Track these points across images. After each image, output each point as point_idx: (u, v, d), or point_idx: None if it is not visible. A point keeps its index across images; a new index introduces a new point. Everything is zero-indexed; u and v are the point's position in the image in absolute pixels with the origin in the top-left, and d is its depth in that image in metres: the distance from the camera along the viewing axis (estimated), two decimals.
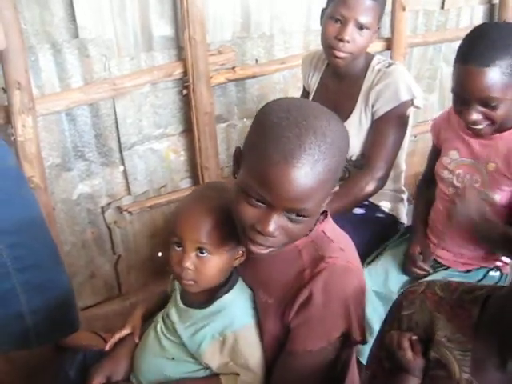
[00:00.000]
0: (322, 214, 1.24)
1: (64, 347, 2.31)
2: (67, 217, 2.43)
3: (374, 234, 1.99)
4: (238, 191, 1.09)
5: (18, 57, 1.98)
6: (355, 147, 1.97)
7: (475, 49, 1.51)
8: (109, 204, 2.52)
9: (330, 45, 1.85)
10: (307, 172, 1.00)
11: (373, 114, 1.93)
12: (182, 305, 1.32)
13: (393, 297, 1.78)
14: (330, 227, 1.25)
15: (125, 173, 2.51)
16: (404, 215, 2.14)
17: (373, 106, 1.92)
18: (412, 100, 1.88)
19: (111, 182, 2.49)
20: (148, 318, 1.46)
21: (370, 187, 1.91)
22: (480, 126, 1.59)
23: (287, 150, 1.00)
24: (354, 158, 2.00)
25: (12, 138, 2.07)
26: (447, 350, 1.02)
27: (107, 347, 1.42)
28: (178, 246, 1.22)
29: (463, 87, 1.54)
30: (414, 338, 1.06)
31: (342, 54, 1.84)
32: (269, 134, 1.03)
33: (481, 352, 1.00)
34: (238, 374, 1.25)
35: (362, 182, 1.91)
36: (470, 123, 1.58)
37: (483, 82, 1.49)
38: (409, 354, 1.04)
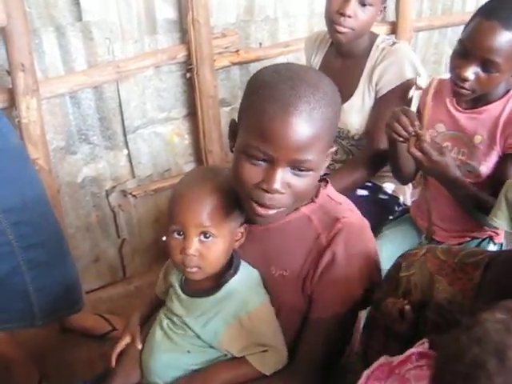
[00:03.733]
0: (322, 181, 1.25)
1: (69, 329, 2.34)
2: (72, 200, 2.44)
3: (377, 216, 1.99)
4: (239, 154, 1.09)
5: (21, 38, 1.99)
6: (358, 126, 1.97)
7: (504, 9, 1.50)
8: (113, 187, 2.53)
9: (332, 19, 1.86)
10: (306, 119, 1.01)
11: (376, 93, 1.93)
12: (185, 296, 1.28)
13: None
14: (334, 192, 1.26)
15: (129, 156, 2.51)
16: (408, 197, 2.14)
17: (376, 85, 1.92)
18: (416, 78, 1.88)
19: (115, 165, 2.50)
20: (144, 324, 1.41)
21: (371, 169, 1.91)
22: (465, 86, 1.58)
23: (283, 100, 1.01)
24: (356, 137, 2.00)
25: (16, 121, 2.08)
26: (448, 312, 1.02)
27: (112, 363, 1.36)
28: (179, 234, 1.17)
29: (475, 40, 1.52)
30: (407, 307, 1.06)
31: (343, 29, 1.84)
32: (263, 91, 1.04)
33: None
34: (265, 351, 1.22)
35: (364, 162, 1.90)
36: (462, 78, 1.56)
37: (496, 42, 1.49)
38: (398, 326, 1.05)
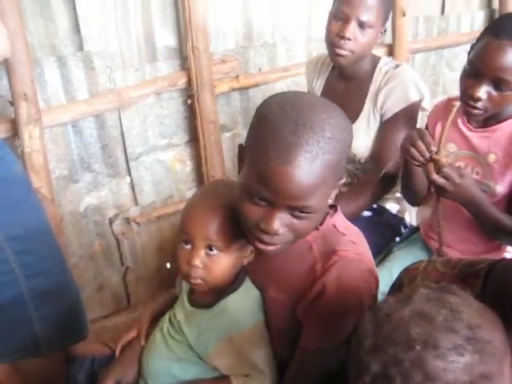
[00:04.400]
0: (331, 207, 1.23)
1: (74, 358, 2.30)
2: (74, 229, 2.44)
3: (382, 237, 1.98)
4: (241, 190, 1.08)
5: (24, 68, 2.01)
6: (363, 149, 1.97)
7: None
8: (116, 215, 2.52)
9: (331, 42, 1.87)
10: (306, 169, 0.98)
11: (381, 116, 1.94)
12: (188, 306, 1.31)
13: None
14: (341, 221, 1.24)
15: (131, 184, 2.52)
16: (413, 217, 2.13)
17: (381, 108, 1.92)
18: (421, 100, 1.89)
19: (118, 193, 2.50)
20: (156, 320, 1.44)
21: (379, 190, 1.91)
22: (478, 105, 1.58)
23: (284, 147, 0.98)
24: (362, 161, 2.00)
25: (19, 150, 2.09)
26: None
27: (117, 352, 1.42)
28: (186, 244, 1.20)
29: (486, 59, 1.53)
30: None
31: (342, 52, 1.85)
32: (265, 131, 1.02)
33: None
34: (247, 376, 1.23)
35: (370, 185, 1.90)
36: (474, 98, 1.56)
37: (507, 61, 1.50)
38: None
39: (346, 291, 1.14)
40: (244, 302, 1.24)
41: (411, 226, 2.11)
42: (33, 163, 2.10)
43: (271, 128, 1.00)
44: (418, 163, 1.60)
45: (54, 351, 1.98)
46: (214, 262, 1.19)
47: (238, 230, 1.18)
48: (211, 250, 1.18)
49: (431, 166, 1.56)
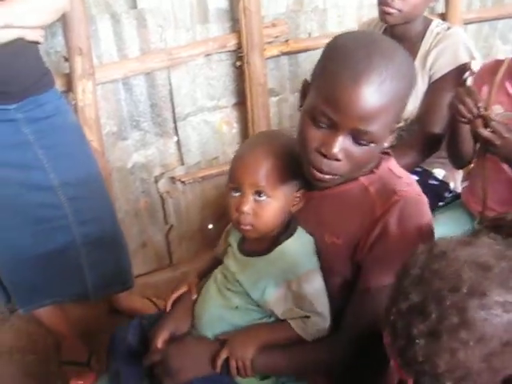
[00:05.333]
0: (385, 154, 1.24)
1: (118, 310, 2.38)
2: (121, 185, 2.49)
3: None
4: (305, 116, 1.10)
5: (80, 24, 2.05)
6: (410, 110, 1.95)
7: None
8: (162, 174, 2.57)
9: (380, 1, 1.87)
10: (374, 91, 1.01)
11: (430, 77, 1.93)
12: (241, 256, 1.32)
13: None
14: (396, 165, 1.25)
15: (178, 143, 2.55)
16: (458, 184, 2.11)
17: (430, 69, 1.91)
18: (471, 62, 1.86)
19: (165, 152, 2.54)
20: (201, 279, 1.46)
21: (422, 154, 1.90)
22: None
23: (355, 68, 1.01)
24: (408, 121, 1.99)
25: (72, 104, 2.14)
26: None
27: (168, 307, 1.42)
28: (236, 192, 1.22)
29: None
30: None
31: (390, 10, 1.84)
32: (337, 56, 1.05)
33: None
34: (307, 317, 1.24)
35: (415, 146, 1.90)
36: None
37: None
38: None
39: (408, 229, 1.14)
40: (300, 247, 1.25)
41: (455, 192, 2.09)
42: (85, 117, 2.16)
43: (344, 53, 1.04)
44: (465, 120, 1.60)
45: (102, 297, 2.05)
46: (263, 207, 1.21)
47: (286, 176, 1.20)
48: (260, 195, 1.20)
49: (479, 121, 1.57)
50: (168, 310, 1.42)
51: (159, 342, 1.34)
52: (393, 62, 1.03)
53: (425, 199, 1.20)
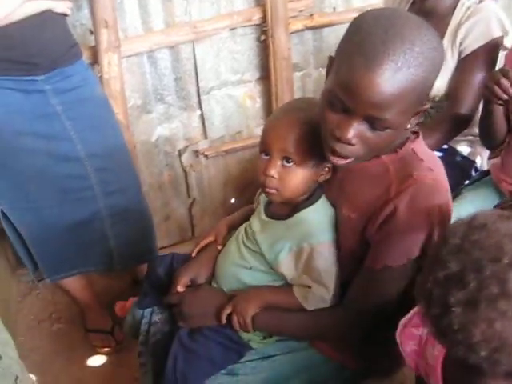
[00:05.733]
0: (413, 133, 1.23)
1: (141, 281, 2.41)
2: (146, 158, 2.51)
3: (451, 178, 1.91)
4: (322, 98, 1.11)
5: None
6: (439, 87, 1.93)
7: None
8: (186, 147, 2.58)
9: None
10: (388, 78, 0.99)
11: (460, 53, 1.89)
12: (264, 216, 1.36)
13: None
14: (421, 147, 1.23)
15: (202, 117, 2.56)
16: (485, 161, 2.09)
17: (460, 44, 1.88)
18: (503, 37, 1.83)
19: (188, 125, 2.55)
20: (232, 229, 1.50)
21: (452, 129, 1.88)
22: None
23: (370, 54, 0.99)
24: (437, 99, 1.96)
25: (98, 76, 2.16)
26: None
27: (194, 253, 1.50)
28: (265, 155, 1.25)
29: None
30: None
31: None
32: (356, 39, 1.04)
33: None
34: (309, 287, 1.28)
35: (443, 124, 1.88)
36: None
37: None
38: None
39: (416, 214, 1.14)
40: (319, 216, 1.28)
41: (482, 169, 2.08)
42: (110, 90, 2.17)
43: (362, 36, 1.02)
44: (500, 101, 1.57)
45: (126, 267, 2.09)
46: (289, 173, 1.23)
47: (315, 146, 1.20)
48: (287, 161, 1.23)
49: None
50: (194, 255, 1.50)
51: (179, 286, 1.42)
52: (413, 46, 1.00)
53: (443, 185, 1.20)
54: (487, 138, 1.86)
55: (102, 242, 1.94)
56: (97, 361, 2.15)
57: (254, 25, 2.47)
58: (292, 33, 2.51)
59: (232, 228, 1.51)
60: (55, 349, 2.21)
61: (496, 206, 1.18)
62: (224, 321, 1.32)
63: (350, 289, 1.28)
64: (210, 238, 1.50)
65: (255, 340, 1.39)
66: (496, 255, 0.78)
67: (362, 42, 1.02)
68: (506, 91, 1.55)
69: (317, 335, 1.36)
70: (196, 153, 2.59)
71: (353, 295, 1.27)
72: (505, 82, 1.54)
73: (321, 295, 1.28)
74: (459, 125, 1.91)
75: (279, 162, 1.23)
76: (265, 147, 1.25)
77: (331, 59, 1.15)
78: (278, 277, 1.34)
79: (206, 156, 2.59)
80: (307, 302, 1.29)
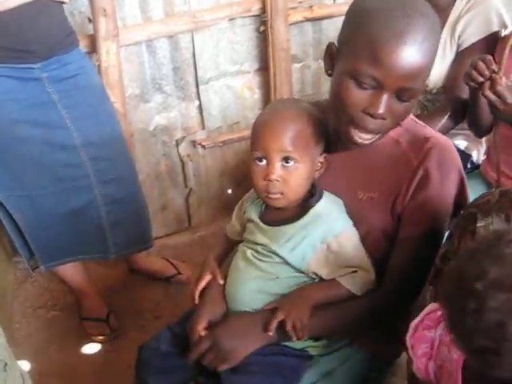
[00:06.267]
0: None
1: (137, 270, 2.44)
2: (143, 147, 2.52)
3: None
4: (345, 78, 1.11)
5: None
6: (436, 79, 1.93)
7: None
8: (183, 137, 2.58)
9: None
10: (418, 49, 1.05)
11: (458, 45, 1.89)
12: (267, 227, 1.29)
13: None
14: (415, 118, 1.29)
15: (200, 107, 2.56)
16: (481, 155, 2.09)
17: (459, 37, 1.88)
18: (502, 31, 1.83)
19: (186, 115, 2.55)
20: (220, 263, 1.43)
21: (450, 122, 1.89)
22: None
23: (398, 27, 1.04)
24: (434, 91, 1.97)
25: (96, 65, 2.15)
26: None
27: (196, 299, 1.36)
28: (261, 161, 1.21)
29: None
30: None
31: None
32: (375, 16, 1.06)
33: None
34: (355, 271, 1.24)
35: (440, 115, 1.88)
36: None
37: None
38: None
39: (448, 171, 1.20)
40: (332, 207, 1.26)
41: (478, 163, 2.08)
42: (108, 79, 2.17)
43: (382, 13, 1.06)
44: (475, 84, 1.61)
45: (121, 256, 2.10)
46: (291, 173, 1.21)
47: (311, 140, 1.21)
48: (287, 161, 1.20)
49: (487, 84, 1.58)
50: (197, 301, 1.36)
51: (202, 331, 1.27)
52: (429, 19, 1.07)
53: (451, 142, 1.26)
54: (473, 125, 1.88)
55: (97, 231, 1.94)
56: (91, 348, 2.16)
57: (254, 15, 2.46)
58: (291, 24, 2.51)
59: (221, 262, 1.44)
60: (50, 336, 2.22)
61: (476, 204, 1.18)
62: (272, 331, 1.20)
63: (390, 265, 1.27)
64: (207, 279, 1.37)
65: (309, 345, 1.30)
66: None
67: (384, 18, 1.05)
68: (481, 73, 1.58)
69: (372, 319, 1.30)
70: (193, 143, 2.59)
71: (395, 271, 1.26)
72: (481, 65, 1.58)
73: (365, 277, 1.26)
74: (455, 117, 1.90)
75: (279, 164, 1.20)
76: (260, 152, 1.21)
77: (333, 47, 1.17)
78: (307, 277, 1.28)
79: (204, 146, 2.60)
80: (356, 288, 1.25)
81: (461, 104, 1.88)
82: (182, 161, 2.63)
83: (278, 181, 1.20)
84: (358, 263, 1.25)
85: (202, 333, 1.27)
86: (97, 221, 1.92)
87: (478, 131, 1.90)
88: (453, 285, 0.80)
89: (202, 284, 1.37)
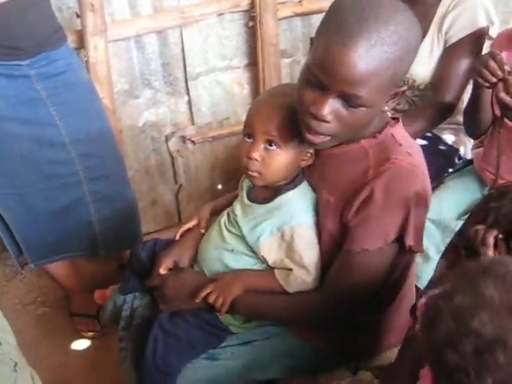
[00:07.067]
0: (393, 119, 1.25)
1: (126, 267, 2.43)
2: (132, 143, 2.51)
3: (437, 166, 1.95)
4: (301, 76, 1.13)
5: None
6: (424, 75, 1.94)
7: None
8: (173, 133, 2.58)
9: None
10: (362, 55, 1.02)
11: (446, 41, 1.89)
12: (246, 200, 1.37)
13: (450, 225, 1.80)
14: (401, 132, 1.25)
15: (189, 103, 2.55)
16: (468, 150, 2.10)
17: (446, 33, 1.88)
18: (489, 27, 1.83)
19: (176, 111, 2.55)
20: (216, 214, 1.51)
21: (435, 117, 1.90)
22: None
23: (346, 31, 1.02)
24: (421, 87, 1.97)
25: (84, 60, 2.14)
26: None
27: (177, 236, 1.50)
28: (249, 138, 1.26)
29: None
30: (500, 236, 1.00)
31: None
32: (333, 18, 1.07)
33: None
34: (290, 270, 1.29)
35: (427, 111, 1.89)
36: None
37: None
38: (490, 252, 0.99)
39: (393, 198, 1.16)
40: (300, 200, 1.30)
41: (465, 158, 2.09)
42: (97, 74, 2.16)
43: (339, 15, 1.05)
44: (488, 84, 1.58)
45: (111, 253, 2.10)
46: (272, 157, 1.25)
47: (297, 129, 1.21)
48: (270, 144, 1.24)
49: (500, 85, 1.55)
50: (177, 238, 1.50)
51: (162, 268, 1.43)
52: (387, 25, 1.02)
53: (421, 170, 1.21)
54: (472, 126, 1.88)
55: (86, 228, 1.94)
56: (81, 345, 2.17)
57: (243, 10, 2.46)
58: (280, 19, 2.50)
59: (215, 213, 1.51)
60: (40, 333, 2.22)
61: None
62: (199, 299, 1.32)
63: (328, 272, 1.29)
64: (193, 222, 1.51)
65: (235, 324, 1.41)
66: None
67: (339, 21, 1.04)
68: (493, 73, 1.55)
69: (296, 318, 1.37)
70: (183, 138, 2.59)
71: (331, 279, 1.28)
72: (493, 64, 1.55)
73: (302, 278, 1.29)
74: (443, 112, 1.91)
75: (262, 145, 1.24)
76: (248, 130, 1.26)
77: (312, 41, 1.17)
78: (258, 260, 1.35)
79: (193, 142, 2.59)
80: (288, 285, 1.30)
81: (446, 104, 1.88)
82: (171, 156, 2.62)
83: (257, 160, 1.25)
84: (302, 260, 1.28)
85: (161, 270, 1.43)
86: (86, 218, 1.92)
87: (476, 132, 1.90)
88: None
89: (186, 226, 1.51)
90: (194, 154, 2.66)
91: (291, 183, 1.31)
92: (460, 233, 1.13)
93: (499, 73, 1.55)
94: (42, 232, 1.91)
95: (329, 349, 1.42)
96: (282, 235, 1.29)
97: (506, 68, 1.54)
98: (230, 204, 1.48)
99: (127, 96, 2.41)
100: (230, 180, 2.73)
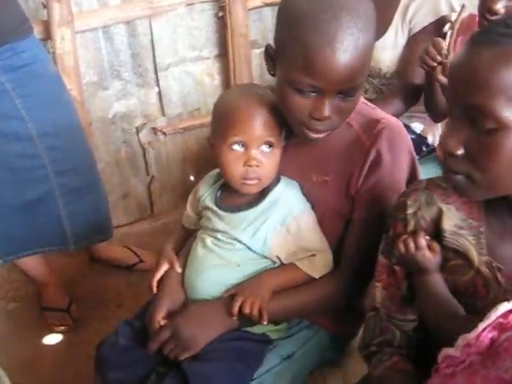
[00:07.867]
0: None
1: (98, 259, 2.42)
2: (102, 135, 2.49)
3: None
4: (286, 87, 1.11)
5: None
6: (390, 63, 1.97)
7: None
8: (143, 124, 2.56)
9: None
10: (352, 51, 1.03)
11: (409, 30, 1.92)
12: (225, 213, 1.29)
13: None
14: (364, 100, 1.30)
15: (159, 94, 2.54)
16: (437, 138, 2.12)
17: (410, 22, 1.91)
18: (450, 15, 1.86)
19: (146, 102, 2.53)
20: (178, 252, 1.42)
21: (402, 105, 1.92)
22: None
23: (328, 33, 1.02)
24: (388, 75, 2.00)
25: (51, 52, 2.12)
26: (461, 237, 1.01)
27: (154, 289, 1.36)
28: (240, 146, 1.21)
29: None
30: (427, 237, 1.03)
31: None
32: (304, 21, 1.03)
33: (493, 232, 0.99)
34: (313, 255, 1.27)
35: (394, 99, 1.91)
36: (492, 11, 1.59)
37: None
38: (427, 252, 1.02)
39: (399, 152, 1.22)
40: (290, 190, 1.28)
41: (433, 146, 2.11)
42: (64, 65, 2.14)
43: (310, 17, 1.03)
44: (428, 68, 1.66)
45: (81, 247, 2.08)
46: (269, 158, 1.23)
47: (281, 124, 1.22)
48: (268, 147, 1.22)
49: (439, 68, 1.63)
50: (155, 291, 1.36)
51: (161, 320, 1.27)
52: (359, 16, 1.03)
53: (401, 123, 1.27)
54: (430, 109, 1.92)
55: (55, 222, 1.91)
56: (53, 339, 2.14)
57: (212, 0, 2.45)
58: (250, 9, 2.50)
59: (178, 250, 1.43)
60: (10, 328, 2.19)
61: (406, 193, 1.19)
62: (235, 314, 1.20)
63: (345, 247, 1.28)
64: (164, 268, 1.37)
65: (269, 329, 1.31)
66: None
67: (314, 23, 1.02)
68: (433, 58, 1.63)
69: (322, 306, 1.32)
70: (154, 130, 2.57)
71: (350, 252, 1.28)
72: (432, 49, 1.63)
73: (325, 260, 1.28)
74: (412, 95, 1.94)
75: (258, 150, 1.21)
76: (240, 138, 1.20)
77: (270, 49, 1.16)
78: (268, 263, 1.29)
79: (164, 133, 2.58)
80: (314, 271, 1.27)
81: (412, 88, 1.92)
82: (143, 148, 2.60)
83: (258, 166, 1.22)
84: (315, 245, 1.27)
85: (162, 322, 1.27)
86: (54, 212, 1.89)
87: (435, 115, 1.93)
88: None
89: (159, 274, 1.37)
90: (165, 146, 2.65)
91: (275, 178, 1.29)
92: (383, 253, 1.13)
93: (438, 57, 1.63)
94: (9, 227, 1.88)
95: (344, 333, 1.44)
96: (287, 229, 1.26)
97: (444, 52, 1.62)
98: (187, 236, 1.44)
99: (96, 87, 2.39)
100: (202, 171, 2.70)
